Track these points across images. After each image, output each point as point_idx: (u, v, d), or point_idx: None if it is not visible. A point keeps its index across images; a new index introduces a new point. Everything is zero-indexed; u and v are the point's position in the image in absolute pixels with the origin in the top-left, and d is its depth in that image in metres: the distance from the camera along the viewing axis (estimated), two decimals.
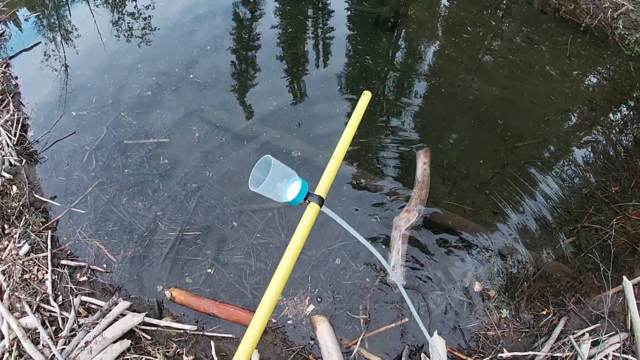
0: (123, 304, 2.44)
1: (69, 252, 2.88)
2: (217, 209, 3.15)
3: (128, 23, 5.05)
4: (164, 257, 2.84)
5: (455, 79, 4.20)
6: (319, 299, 2.67)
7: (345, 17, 5.13)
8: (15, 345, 2.34)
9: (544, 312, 2.63)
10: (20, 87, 4.08)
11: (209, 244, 2.94)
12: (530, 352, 2.41)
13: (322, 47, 4.69)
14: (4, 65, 4.20)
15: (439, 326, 2.57)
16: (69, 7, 5.56)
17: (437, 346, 2.29)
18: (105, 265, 2.80)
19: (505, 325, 2.59)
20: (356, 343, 2.43)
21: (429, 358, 2.32)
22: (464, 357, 2.43)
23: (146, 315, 2.48)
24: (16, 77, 4.19)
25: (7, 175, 3.16)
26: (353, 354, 2.40)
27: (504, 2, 5.57)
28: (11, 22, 5.18)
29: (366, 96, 1.31)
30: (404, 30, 4.99)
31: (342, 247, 2.93)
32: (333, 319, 2.57)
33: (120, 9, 5.35)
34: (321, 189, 1.05)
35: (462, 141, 3.67)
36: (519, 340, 2.55)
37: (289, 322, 2.57)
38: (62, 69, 4.37)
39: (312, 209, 1.00)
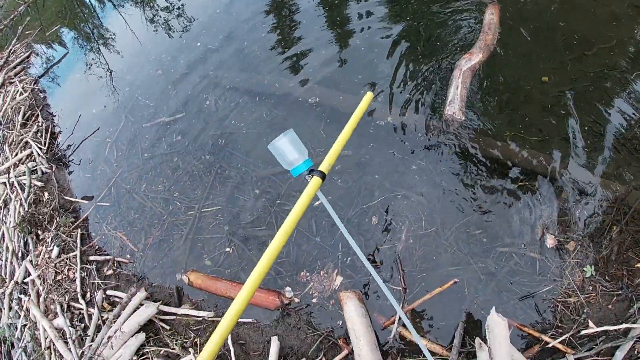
0: (140, 295, 2.29)
1: (97, 247, 2.85)
2: (237, 177, 2.85)
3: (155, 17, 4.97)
4: (184, 239, 2.64)
5: None
6: (348, 271, 2.21)
7: None
8: (51, 346, 2.35)
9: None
10: (49, 98, 4.26)
11: (228, 218, 2.66)
12: (624, 325, 1.72)
13: None
14: (33, 82, 4.41)
15: (503, 295, 1.96)
16: (96, 14, 5.70)
17: (496, 328, 1.66)
18: (128, 256, 2.71)
19: (590, 288, 1.91)
20: (394, 322, 1.92)
21: (486, 344, 1.71)
22: (536, 334, 1.82)
23: (165, 304, 2.30)
24: (44, 90, 4.38)
25: (39, 184, 3.25)
26: (392, 335, 1.91)
27: None
28: (40, 42, 5.50)
29: (367, 97, 1.47)
30: None
31: (380, 203, 2.41)
32: (367, 292, 2.11)
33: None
34: (324, 166, 1.22)
35: (520, 56, 2.88)
36: (609, 307, 1.87)
37: (314, 300, 2.16)
38: (85, 73, 4.46)
39: (315, 181, 1.17)
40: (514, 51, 2.92)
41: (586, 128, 2.41)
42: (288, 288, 2.25)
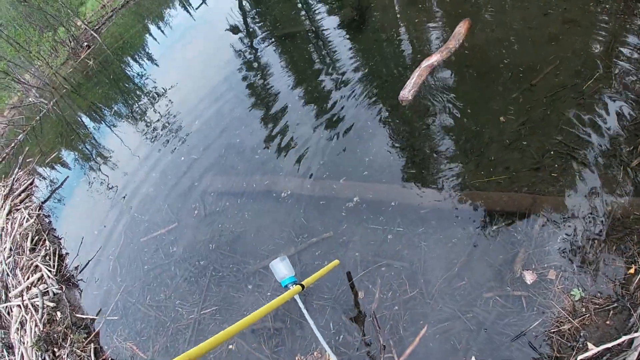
0: None
1: (110, 359, 3.15)
2: (230, 277, 3.25)
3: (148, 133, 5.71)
4: (187, 343, 2.97)
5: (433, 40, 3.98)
6: (342, 348, 2.53)
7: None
8: None
9: (632, 271, 2.01)
10: (54, 223, 4.78)
11: (226, 316, 3.02)
12: (625, 337, 1.74)
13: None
14: (38, 208, 4.95)
15: (495, 341, 2.13)
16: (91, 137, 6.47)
17: None
18: None
19: (583, 309, 1.99)
20: None
21: None
22: None
23: None
24: (48, 215, 4.92)
25: (52, 304, 3.63)
26: None
27: None
28: (42, 167, 6.18)
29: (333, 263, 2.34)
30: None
31: (363, 277, 2.77)
32: None
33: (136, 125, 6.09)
34: (306, 281, 1.83)
35: (473, 103, 3.27)
36: (607, 323, 1.94)
37: None
38: (87, 192, 5.04)
39: (296, 288, 1.80)
40: (467, 99, 3.28)
41: (552, 152, 2.61)
42: None
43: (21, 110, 9.84)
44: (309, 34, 5.53)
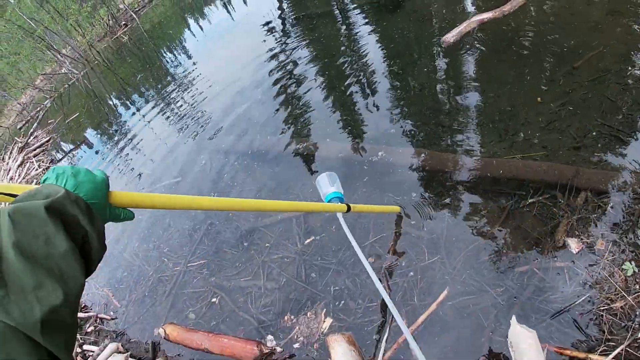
0: (111, 346, 2.26)
1: (83, 305, 2.87)
2: (226, 233, 2.94)
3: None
4: (167, 294, 2.66)
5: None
6: (341, 315, 2.15)
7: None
8: None
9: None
10: None
11: (214, 271, 2.69)
12: None
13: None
14: (49, 162, 4.85)
15: (531, 319, 1.75)
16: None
17: (522, 343, 1.47)
18: (112, 313, 2.71)
19: (637, 286, 1.68)
20: None
21: None
22: (582, 355, 1.55)
23: (139, 359, 2.25)
24: None
25: None
26: None
27: None
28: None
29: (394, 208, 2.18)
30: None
31: (375, 242, 2.41)
32: (360, 334, 2.02)
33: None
34: (356, 206, 1.57)
35: (510, 85, 3.01)
36: None
37: (296, 345, 2.09)
38: (100, 163, 4.89)
39: (340, 205, 1.48)
40: (501, 78, 3.07)
41: (594, 133, 2.39)
42: (270, 337, 2.19)
43: (52, 80, 10.04)
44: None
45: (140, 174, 4.22)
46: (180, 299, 2.61)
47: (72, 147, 5.70)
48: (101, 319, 2.69)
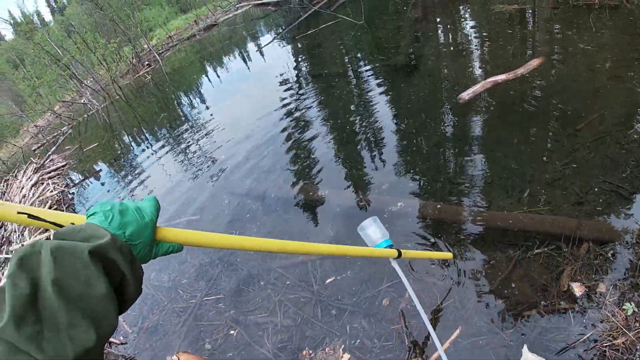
0: None
1: None
2: (243, 271, 3.04)
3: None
4: (182, 324, 2.70)
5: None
6: (357, 352, 2.23)
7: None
8: None
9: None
10: (77, 206, 4.75)
11: (230, 306, 2.76)
12: None
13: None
14: (64, 185, 4.98)
15: (538, 354, 1.84)
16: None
17: None
18: (122, 337, 2.73)
19: (637, 324, 1.83)
20: None
21: None
22: None
23: None
24: (72, 195, 4.92)
25: None
26: None
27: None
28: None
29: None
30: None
31: (392, 286, 2.52)
32: None
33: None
34: (407, 252, 1.57)
35: (516, 144, 3.29)
36: None
37: None
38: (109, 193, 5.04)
39: (391, 250, 1.49)
40: (509, 141, 3.31)
41: (596, 189, 2.55)
42: None
43: (70, 109, 10.40)
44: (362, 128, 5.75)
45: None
46: (195, 329, 2.66)
47: (81, 177, 5.85)
48: (110, 342, 2.70)
